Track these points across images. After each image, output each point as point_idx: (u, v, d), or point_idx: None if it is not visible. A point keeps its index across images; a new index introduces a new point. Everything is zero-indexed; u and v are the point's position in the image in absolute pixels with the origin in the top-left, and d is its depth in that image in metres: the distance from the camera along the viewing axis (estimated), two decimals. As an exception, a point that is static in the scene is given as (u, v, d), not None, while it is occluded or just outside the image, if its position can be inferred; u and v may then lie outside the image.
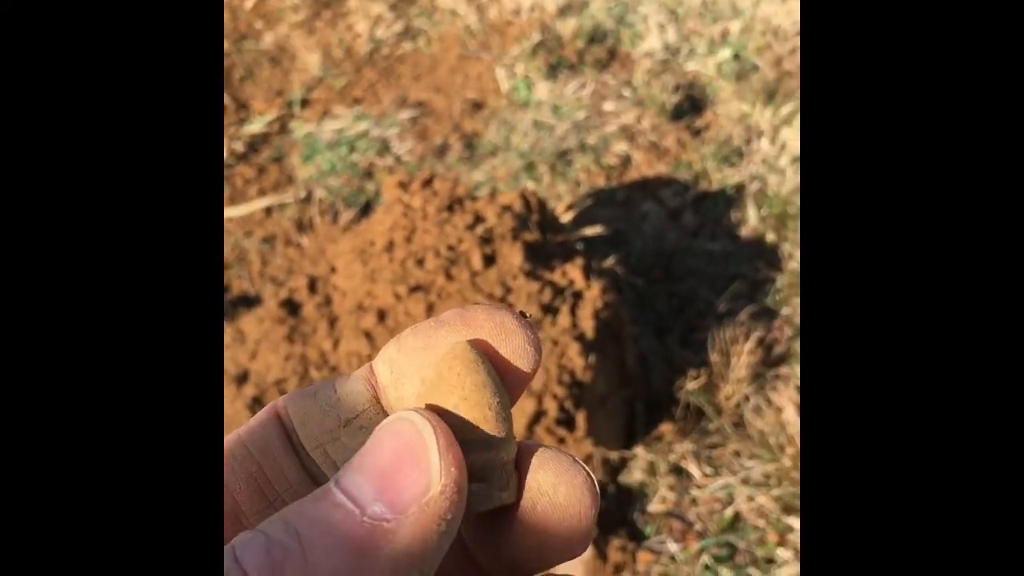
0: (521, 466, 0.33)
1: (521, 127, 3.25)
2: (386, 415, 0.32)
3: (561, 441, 1.94)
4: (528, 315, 0.35)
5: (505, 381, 0.33)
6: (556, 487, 0.32)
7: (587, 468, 0.33)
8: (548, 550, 0.32)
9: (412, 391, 0.32)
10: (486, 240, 2.05)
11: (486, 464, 0.31)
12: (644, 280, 2.65)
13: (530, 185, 2.95)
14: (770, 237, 2.82)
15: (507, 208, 2.13)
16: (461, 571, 0.34)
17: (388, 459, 0.28)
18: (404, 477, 0.28)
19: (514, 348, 0.33)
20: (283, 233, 2.84)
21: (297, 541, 0.26)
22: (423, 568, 0.27)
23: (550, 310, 1.97)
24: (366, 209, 2.93)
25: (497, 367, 0.32)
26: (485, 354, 0.32)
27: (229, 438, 0.32)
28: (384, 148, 3.23)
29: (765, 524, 2.12)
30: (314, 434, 0.33)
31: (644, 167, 3.10)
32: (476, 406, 0.31)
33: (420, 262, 2.01)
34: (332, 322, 2.06)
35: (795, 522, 2.08)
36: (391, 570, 0.26)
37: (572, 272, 2.05)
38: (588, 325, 1.97)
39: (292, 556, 0.26)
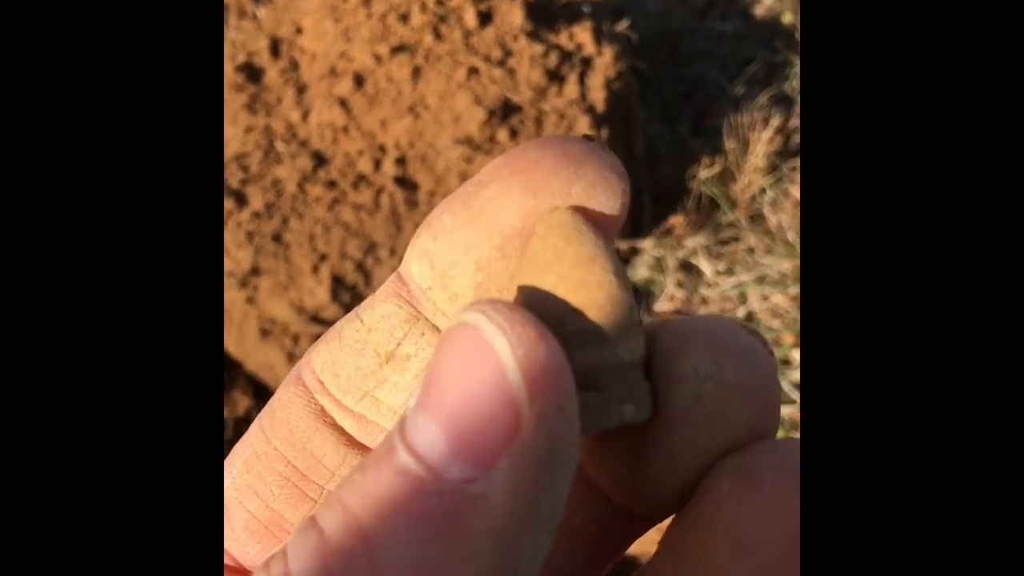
0: (657, 359, 0.23)
1: None
2: (437, 331, 0.25)
3: (568, 227, 1.72)
4: (592, 138, 0.24)
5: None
6: (720, 365, 0.23)
7: (753, 329, 0.24)
8: (724, 446, 0.22)
9: (467, 283, 0.24)
10: (481, -6, 1.74)
11: (599, 365, 0.22)
12: (648, 63, 2.36)
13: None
14: (787, 18, 2.52)
15: (504, -41, 1.81)
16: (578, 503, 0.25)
17: (456, 391, 0.19)
18: (481, 415, 0.19)
19: (590, 182, 0.23)
20: (236, 3, 2.47)
21: (359, 538, 0.19)
22: (538, 529, 0.19)
23: (555, 77, 1.70)
24: (332, -22, 2.56)
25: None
26: (589, 220, 0.23)
27: (251, 433, 0.26)
28: (350, -90, 2.82)
29: (780, 325, 1.94)
30: (354, 383, 0.25)
31: (647, -62, 2.74)
32: (581, 286, 0.22)
33: (403, 18, 1.70)
34: (300, 89, 1.77)
35: (813, 323, 1.91)
36: (497, 548, 0.19)
37: (581, 35, 1.77)
38: (599, 96, 1.71)
39: (357, 559, 0.19)
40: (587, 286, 0.22)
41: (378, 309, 0.25)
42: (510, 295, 0.23)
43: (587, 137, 0.24)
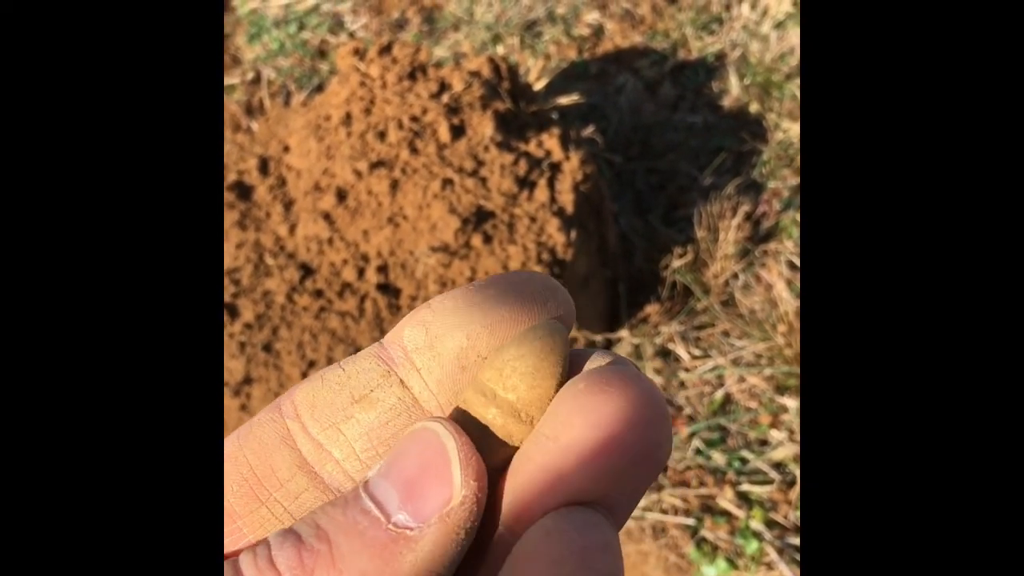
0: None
1: (484, -2, 3.01)
2: (404, 387, 0.33)
3: (543, 324, 1.81)
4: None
5: None
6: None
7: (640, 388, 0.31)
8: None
9: (453, 347, 0.32)
10: (453, 110, 1.86)
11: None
12: (622, 156, 2.48)
13: (497, 58, 2.73)
14: (754, 107, 2.64)
15: (475, 75, 1.94)
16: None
17: (413, 468, 0.30)
18: (427, 487, 0.29)
19: (558, 305, 0.33)
20: (231, 118, 2.62)
21: (327, 544, 0.29)
22: (442, 571, 0.29)
23: (526, 183, 1.81)
24: (320, 90, 2.70)
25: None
26: (565, 339, 0.32)
27: (229, 439, 0.34)
28: (337, 24, 2.98)
29: (757, 405, 2.01)
30: (325, 415, 0.33)
31: (618, 37, 2.89)
32: (533, 390, 0.31)
33: (381, 135, 1.82)
34: (287, 205, 1.88)
35: (789, 402, 1.98)
36: (412, 574, 0.29)
37: (549, 142, 1.88)
38: (567, 199, 1.81)
39: (322, 558, 0.28)
40: (536, 381, 0.31)
41: (359, 363, 0.33)
42: (482, 361, 0.32)
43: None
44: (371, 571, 0.28)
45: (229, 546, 0.32)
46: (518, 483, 0.31)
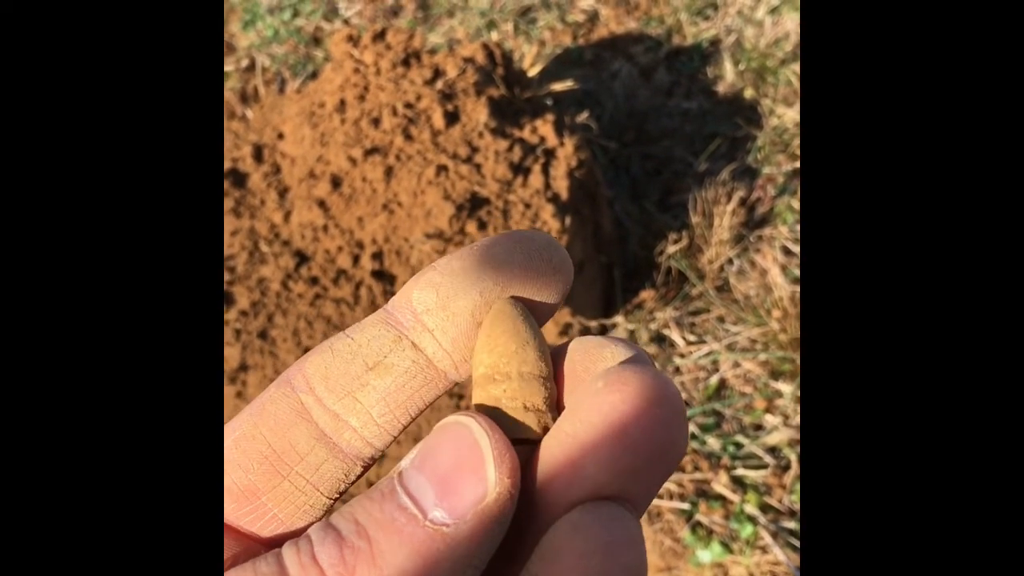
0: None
1: (479, -16, 3.00)
2: (416, 350, 0.33)
3: (538, 310, 1.81)
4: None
5: (543, 288, 0.34)
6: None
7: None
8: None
9: (468, 304, 0.33)
10: (447, 96, 1.86)
11: (518, 397, 0.33)
12: (617, 143, 2.48)
13: (491, 44, 2.72)
14: (748, 93, 2.64)
15: (469, 61, 1.93)
16: None
17: (448, 463, 0.30)
18: (462, 483, 0.30)
19: (555, 267, 0.34)
20: (226, 105, 2.61)
21: (367, 541, 0.29)
22: (478, 564, 0.30)
23: (520, 170, 1.80)
24: (314, 77, 2.69)
25: (535, 284, 0.34)
26: (525, 308, 0.34)
27: (241, 418, 0.34)
28: (331, 11, 2.97)
29: (752, 390, 2.02)
30: (340, 385, 0.33)
31: (613, 23, 2.88)
32: (516, 351, 0.33)
33: (375, 122, 1.82)
34: (282, 192, 1.88)
35: (783, 387, 1.99)
36: (450, 570, 0.29)
37: (543, 129, 1.88)
38: (562, 185, 1.81)
39: (363, 555, 0.29)
40: (517, 351, 0.33)
41: (367, 331, 0.34)
42: (494, 319, 0.34)
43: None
44: (410, 568, 0.29)
45: (254, 522, 0.33)
46: (539, 476, 0.31)
